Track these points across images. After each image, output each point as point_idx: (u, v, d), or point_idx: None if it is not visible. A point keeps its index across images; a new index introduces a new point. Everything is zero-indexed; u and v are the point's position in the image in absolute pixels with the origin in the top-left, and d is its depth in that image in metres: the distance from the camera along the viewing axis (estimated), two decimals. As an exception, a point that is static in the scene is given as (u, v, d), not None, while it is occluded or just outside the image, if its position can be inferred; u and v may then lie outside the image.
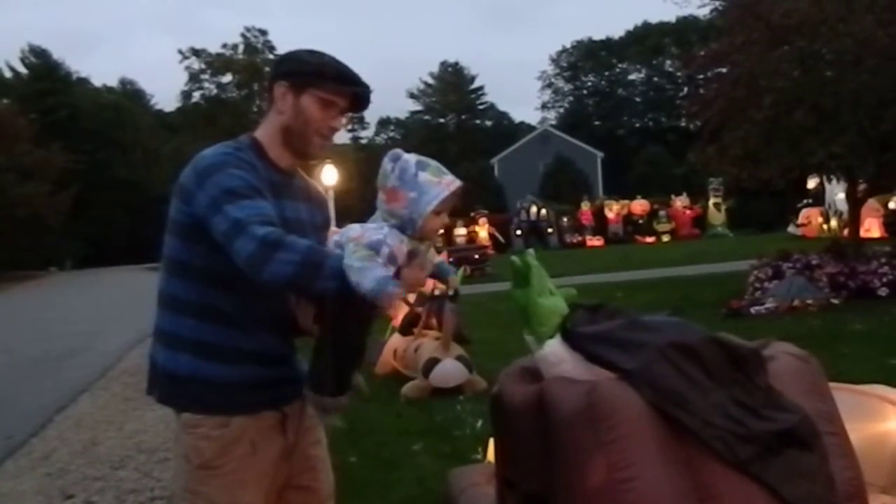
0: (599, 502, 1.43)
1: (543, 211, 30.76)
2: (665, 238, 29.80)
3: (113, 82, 58.10)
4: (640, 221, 31.33)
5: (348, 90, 1.92)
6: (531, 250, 1.84)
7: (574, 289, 1.88)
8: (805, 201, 25.45)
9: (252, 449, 1.86)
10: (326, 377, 1.82)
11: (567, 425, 1.50)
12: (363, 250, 1.66)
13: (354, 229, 1.77)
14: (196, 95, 53.03)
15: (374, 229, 1.73)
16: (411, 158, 1.77)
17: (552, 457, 1.53)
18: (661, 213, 31.00)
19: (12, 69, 50.25)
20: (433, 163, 1.78)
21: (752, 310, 9.33)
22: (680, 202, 31.24)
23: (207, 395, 1.85)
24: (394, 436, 5.18)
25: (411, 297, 7.48)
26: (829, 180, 12.50)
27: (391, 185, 1.74)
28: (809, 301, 9.26)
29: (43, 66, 49.83)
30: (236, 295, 1.84)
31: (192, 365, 1.84)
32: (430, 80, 61.64)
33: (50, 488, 4.74)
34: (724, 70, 11.46)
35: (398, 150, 1.80)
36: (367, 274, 1.61)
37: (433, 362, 6.09)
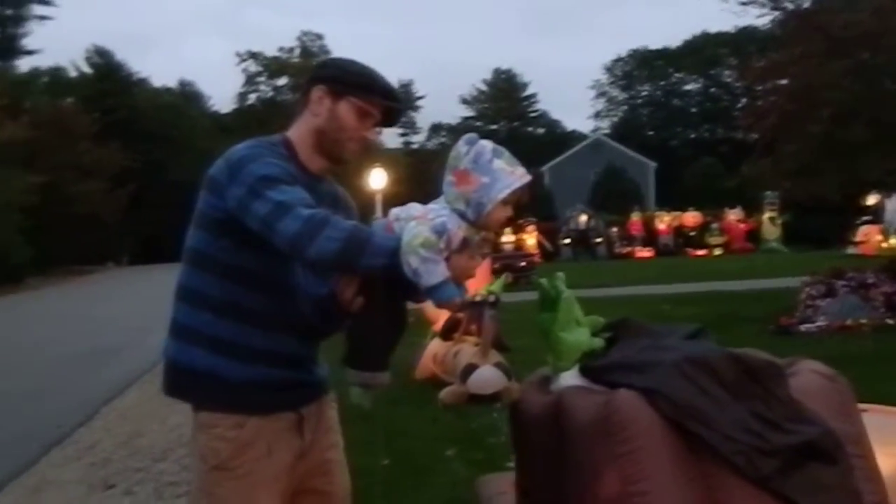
0: (611, 515, 1.41)
1: (592, 220, 30.52)
2: (717, 251, 29.29)
3: (172, 83, 59.43)
4: (692, 234, 30.87)
5: (385, 104, 1.93)
6: (561, 274, 1.81)
7: (601, 317, 1.84)
8: (864, 218, 24.78)
9: (267, 451, 1.85)
10: (368, 353, 1.80)
11: (582, 435, 1.48)
12: (428, 234, 1.64)
13: (416, 208, 1.76)
14: (252, 98, 54.00)
15: (437, 210, 1.72)
16: (487, 144, 1.75)
17: (566, 467, 1.52)
18: (714, 225, 30.47)
19: (77, 69, 51.81)
20: (507, 152, 1.75)
21: (802, 328, 9.09)
22: (733, 215, 30.68)
23: (221, 393, 1.85)
24: (428, 440, 5.18)
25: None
26: (889, 197, 12.16)
27: (464, 168, 1.72)
28: (863, 321, 8.99)
29: (106, 67, 51.14)
30: (259, 294, 1.84)
31: (207, 360, 1.84)
32: (483, 87, 61.79)
33: (93, 478, 4.86)
34: (781, 82, 11.26)
35: (474, 134, 1.78)
36: (432, 269, 1.61)
37: (471, 368, 6.04)
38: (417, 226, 1.65)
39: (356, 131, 1.91)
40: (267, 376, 1.86)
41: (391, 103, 1.94)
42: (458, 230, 1.69)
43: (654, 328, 1.82)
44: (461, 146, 1.74)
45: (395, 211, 1.80)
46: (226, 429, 1.83)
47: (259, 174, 1.73)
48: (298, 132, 1.94)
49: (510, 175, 1.71)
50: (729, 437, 1.43)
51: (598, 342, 1.75)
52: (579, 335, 1.73)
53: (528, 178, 1.74)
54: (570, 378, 1.64)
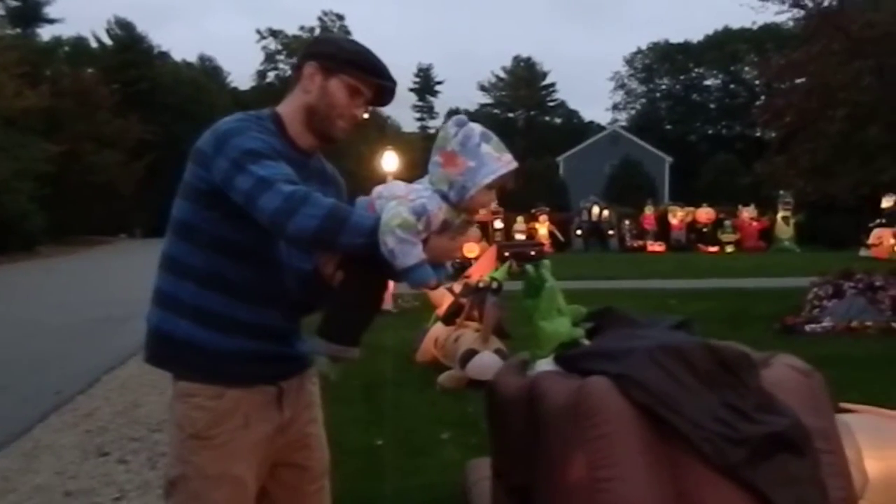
0: (576, 499, 1.41)
1: (605, 212, 30.39)
2: (729, 248, 29.09)
3: (192, 58, 59.47)
4: (705, 230, 30.68)
5: (377, 82, 1.92)
6: (546, 261, 1.79)
7: (583, 307, 1.83)
8: (878, 220, 24.53)
9: (245, 422, 1.85)
10: (342, 326, 1.80)
11: (553, 420, 1.48)
12: (407, 215, 1.63)
13: (399, 187, 1.76)
14: (271, 76, 53.98)
15: (419, 190, 1.71)
16: (476, 128, 1.74)
17: (537, 451, 1.52)
18: (727, 222, 30.25)
19: (98, 40, 51.95)
20: (496, 137, 1.74)
21: (808, 328, 9.03)
22: (747, 213, 30.46)
23: (200, 363, 1.84)
24: (425, 423, 5.20)
25: (457, 288, 7.50)
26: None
27: (451, 149, 1.71)
28: (868, 323, 8.91)
29: (127, 39, 51.25)
30: (242, 266, 1.84)
31: (189, 330, 1.84)
32: (502, 74, 61.59)
33: (88, 444, 4.90)
34: (799, 81, 11.17)
35: (463, 117, 1.77)
36: (408, 251, 1.61)
37: (471, 354, 6.08)
38: (397, 206, 1.64)
39: (346, 109, 1.90)
40: (248, 348, 1.86)
41: (382, 81, 1.92)
42: (439, 212, 1.68)
43: (638, 318, 1.81)
44: (450, 127, 1.73)
45: (378, 189, 1.78)
46: (204, 399, 1.83)
47: (243, 148, 1.73)
48: (289, 108, 1.93)
49: (496, 161, 1.70)
50: (698, 425, 1.42)
51: (579, 332, 1.74)
52: (559, 325, 1.72)
53: (514, 164, 1.73)
54: (545, 366, 1.64)
